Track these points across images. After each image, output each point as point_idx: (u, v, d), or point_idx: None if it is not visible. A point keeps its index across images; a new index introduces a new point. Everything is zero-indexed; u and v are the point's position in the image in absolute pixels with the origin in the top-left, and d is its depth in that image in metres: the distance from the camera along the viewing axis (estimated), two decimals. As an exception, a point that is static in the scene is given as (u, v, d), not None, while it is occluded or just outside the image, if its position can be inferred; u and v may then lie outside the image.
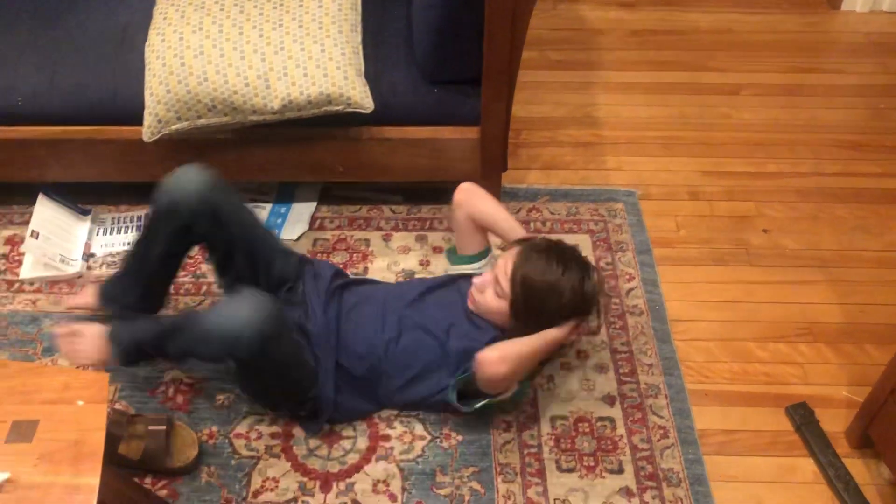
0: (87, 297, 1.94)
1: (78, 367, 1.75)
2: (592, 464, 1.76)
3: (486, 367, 1.60)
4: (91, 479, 1.22)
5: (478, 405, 1.72)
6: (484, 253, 1.92)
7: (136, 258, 1.84)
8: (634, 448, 1.79)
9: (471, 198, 1.86)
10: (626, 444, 1.80)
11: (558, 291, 1.66)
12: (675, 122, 2.62)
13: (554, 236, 1.92)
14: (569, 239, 2.18)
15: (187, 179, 1.74)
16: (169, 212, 1.75)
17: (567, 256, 1.70)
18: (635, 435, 1.81)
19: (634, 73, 2.81)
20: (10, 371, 1.36)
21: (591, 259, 2.17)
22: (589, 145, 2.54)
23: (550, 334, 1.68)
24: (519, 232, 1.83)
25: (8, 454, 1.24)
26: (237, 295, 1.64)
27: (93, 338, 1.73)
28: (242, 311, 1.57)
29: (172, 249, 1.83)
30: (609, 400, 1.88)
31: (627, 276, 2.14)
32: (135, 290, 1.87)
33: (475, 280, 1.76)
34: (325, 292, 1.80)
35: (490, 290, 1.71)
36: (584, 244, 2.21)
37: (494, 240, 1.96)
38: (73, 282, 2.11)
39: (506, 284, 1.67)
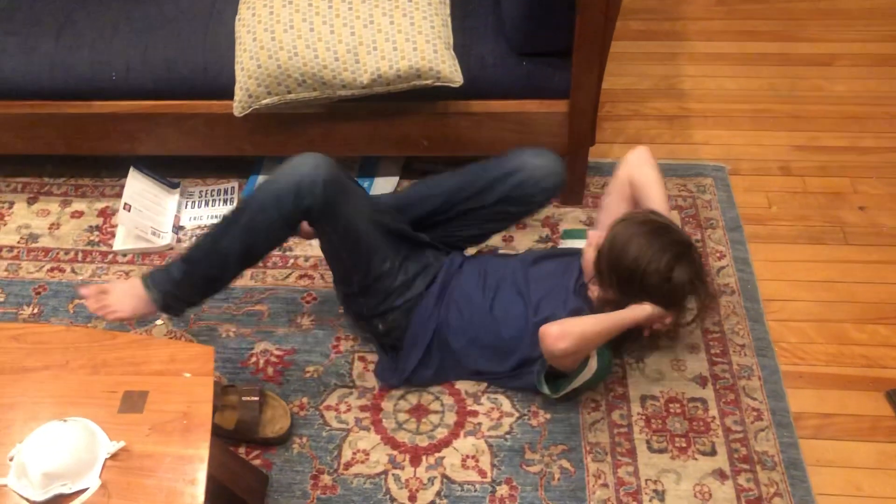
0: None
1: (114, 320, 1.71)
2: (684, 445, 1.74)
3: (545, 341, 1.58)
4: (201, 450, 1.25)
5: (562, 391, 1.71)
6: None
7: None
8: (727, 430, 1.76)
9: (641, 162, 1.78)
10: (719, 426, 1.76)
11: (640, 266, 1.59)
12: (764, 94, 2.53)
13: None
14: (693, 244, 2.14)
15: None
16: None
17: (664, 237, 1.62)
18: (728, 417, 1.78)
19: (721, 44, 2.72)
20: (119, 342, 1.39)
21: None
22: (675, 118, 2.47)
23: (623, 315, 1.64)
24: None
25: (121, 423, 1.28)
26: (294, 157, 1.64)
27: (124, 289, 1.70)
28: (295, 164, 1.60)
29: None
30: (701, 381, 1.84)
31: (718, 255, 2.09)
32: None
33: (590, 232, 1.74)
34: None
35: (593, 246, 1.68)
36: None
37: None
38: (164, 253, 2.15)
39: (600, 241, 1.64)
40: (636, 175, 1.77)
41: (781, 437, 1.74)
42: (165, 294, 1.71)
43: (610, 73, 2.58)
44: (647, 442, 1.74)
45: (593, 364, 1.69)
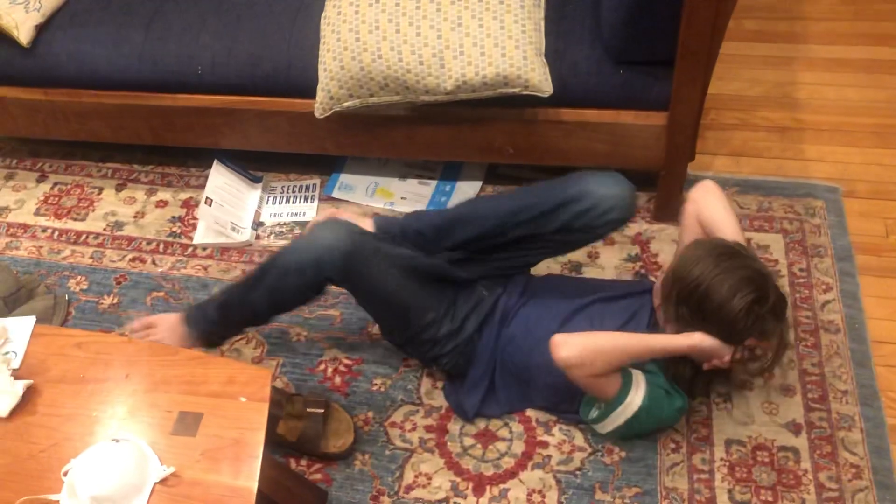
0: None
1: None
2: (771, 499, 1.60)
3: (553, 349, 1.48)
4: (250, 482, 1.21)
5: (601, 423, 1.61)
6: None
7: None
8: (820, 487, 1.60)
9: (707, 197, 1.66)
10: (811, 482, 1.61)
11: (700, 286, 1.46)
12: (892, 107, 2.30)
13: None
14: (758, 238, 2.00)
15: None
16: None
17: (735, 261, 1.48)
18: (822, 471, 1.62)
19: (845, 48, 2.48)
20: (179, 359, 1.37)
21: (783, 264, 1.95)
22: (787, 130, 2.28)
23: (659, 339, 1.52)
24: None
25: (173, 446, 1.26)
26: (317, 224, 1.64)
27: (168, 326, 1.79)
28: (316, 235, 1.58)
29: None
30: (794, 428, 1.69)
31: (824, 287, 1.91)
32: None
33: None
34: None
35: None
36: (775, 245, 1.99)
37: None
38: (243, 249, 2.14)
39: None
40: (704, 212, 1.64)
41: (883, 501, 1.57)
42: (204, 332, 1.80)
43: (717, 77, 2.39)
44: (730, 492, 1.61)
45: (636, 400, 1.55)
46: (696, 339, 1.49)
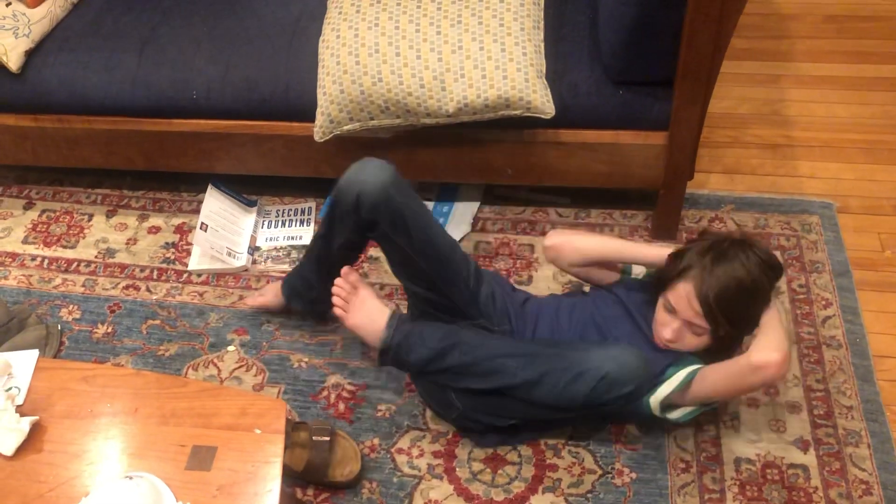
0: (270, 295, 1.96)
1: (336, 318, 1.69)
2: (783, 518, 1.60)
3: (768, 370, 1.47)
4: (269, 517, 1.18)
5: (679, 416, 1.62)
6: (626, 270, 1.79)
7: (317, 251, 1.80)
8: (831, 503, 1.61)
9: (564, 244, 1.73)
10: (822, 499, 1.61)
11: (747, 283, 1.51)
12: (879, 123, 2.34)
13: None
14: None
15: (369, 175, 1.60)
16: (350, 206, 1.62)
17: (727, 246, 1.54)
18: (833, 489, 1.63)
19: (831, 66, 2.53)
20: (189, 390, 1.34)
21: (782, 280, 1.95)
22: (778, 147, 2.31)
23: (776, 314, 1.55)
24: (644, 250, 1.69)
25: (188, 482, 1.23)
26: (614, 345, 1.54)
27: (374, 309, 1.64)
28: (630, 359, 1.47)
29: (353, 240, 1.73)
30: (802, 445, 1.69)
31: (823, 302, 1.92)
32: (318, 285, 1.82)
33: (660, 331, 1.60)
34: (514, 304, 1.73)
35: (686, 333, 1.56)
36: (773, 263, 2.01)
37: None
38: (239, 275, 2.11)
39: (701, 321, 1.51)
40: (574, 255, 1.73)
41: (893, 516, 1.58)
42: (399, 346, 1.61)
43: (708, 96, 2.44)
44: (742, 511, 1.61)
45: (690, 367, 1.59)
46: (776, 314, 1.56)
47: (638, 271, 1.78)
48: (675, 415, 1.62)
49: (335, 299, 1.67)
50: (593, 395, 1.46)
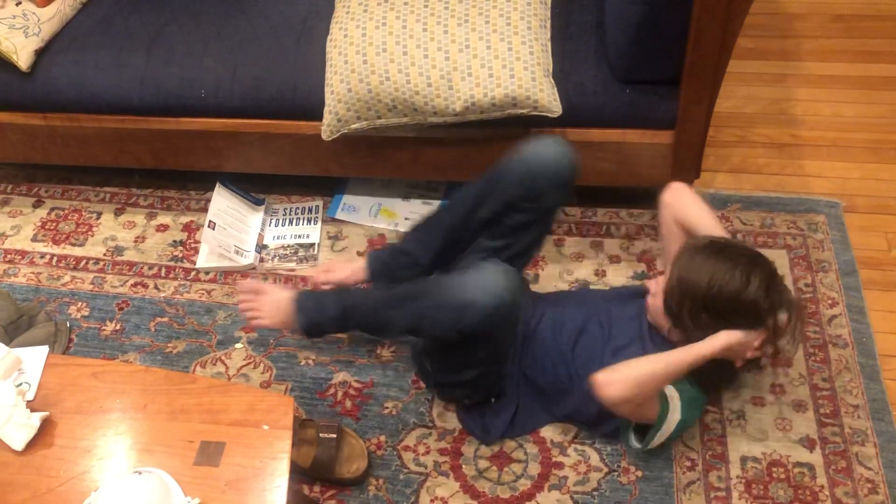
0: (347, 272, 1.86)
1: (254, 327, 1.78)
2: (788, 516, 1.60)
3: (595, 390, 1.46)
4: (277, 512, 1.19)
5: (650, 443, 1.59)
6: None
7: (453, 216, 1.76)
8: (837, 502, 1.61)
9: (680, 198, 1.68)
10: (828, 498, 1.62)
11: (714, 287, 1.45)
12: (886, 122, 2.33)
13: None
14: (763, 254, 1.99)
15: (557, 153, 1.65)
16: (523, 180, 1.65)
17: (731, 252, 1.49)
18: (839, 487, 1.63)
19: (838, 65, 2.52)
20: (198, 387, 1.35)
21: (788, 280, 1.96)
22: (785, 147, 2.30)
23: (689, 350, 1.48)
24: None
25: (197, 477, 1.23)
26: (484, 265, 1.54)
27: (276, 300, 1.73)
28: (492, 279, 1.49)
29: (497, 216, 1.72)
30: (808, 443, 1.70)
31: (830, 302, 1.92)
32: (427, 261, 1.78)
33: (648, 283, 1.61)
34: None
35: (657, 294, 1.56)
36: (780, 261, 1.98)
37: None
38: (246, 273, 2.12)
39: (664, 283, 1.52)
40: (681, 213, 1.67)
41: (899, 515, 1.58)
42: (312, 323, 1.74)
43: (714, 95, 2.44)
44: (747, 509, 1.62)
45: (675, 414, 1.54)
46: (724, 338, 1.47)
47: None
48: (646, 445, 1.60)
49: (246, 312, 1.77)
50: (460, 318, 1.49)
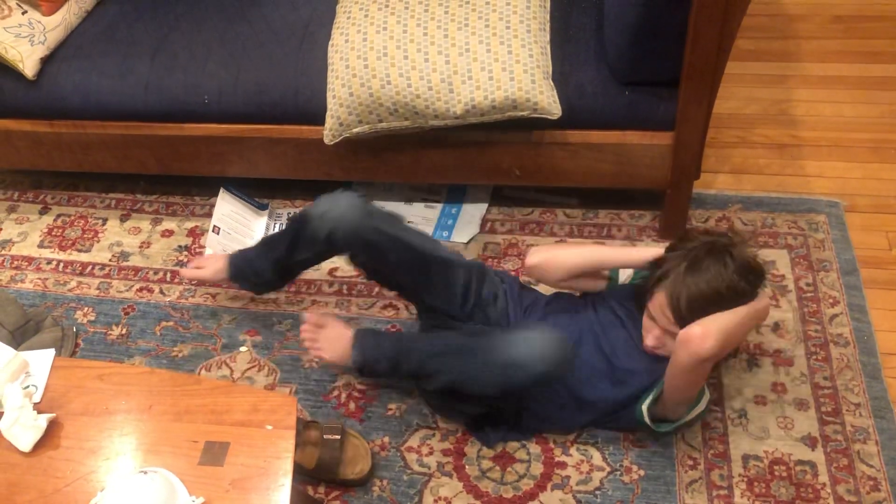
0: (210, 272, 1.94)
1: (315, 360, 1.82)
2: (791, 513, 1.61)
3: (691, 345, 1.45)
4: (281, 511, 1.20)
5: (668, 428, 1.63)
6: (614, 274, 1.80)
7: (275, 255, 1.83)
8: (839, 500, 1.61)
9: (548, 262, 1.70)
10: (830, 495, 1.62)
11: (720, 287, 1.49)
12: (886, 122, 2.34)
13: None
14: (764, 254, 2.02)
15: (342, 211, 1.70)
16: (321, 238, 1.72)
17: (702, 250, 1.52)
18: (840, 485, 1.63)
19: (838, 66, 2.53)
20: (202, 388, 1.36)
21: (790, 279, 1.98)
22: (785, 147, 2.31)
23: (755, 305, 1.53)
24: (627, 255, 1.70)
25: (201, 476, 1.25)
26: (535, 328, 1.61)
27: (337, 335, 1.73)
28: (543, 345, 1.52)
29: (315, 259, 1.84)
30: (810, 442, 1.70)
31: (831, 301, 1.93)
32: (272, 278, 1.89)
33: (644, 337, 1.62)
34: (517, 307, 1.75)
35: (668, 339, 1.56)
36: (781, 261, 2.02)
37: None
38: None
39: (677, 329, 1.51)
40: (562, 264, 1.70)
41: (901, 512, 1.59)
42: (366, 361, 1.71)
43: (715, 96, 2.45)
44: (750, 507, 1.62)
45: (706, 394, 1.61)
46: (766, 296, 1.59)
47: (625, 277, 1.78)
48: (664, 427, 1.64)
49: (307, 343, 1.76)
50: (506, 380, 1.53)
